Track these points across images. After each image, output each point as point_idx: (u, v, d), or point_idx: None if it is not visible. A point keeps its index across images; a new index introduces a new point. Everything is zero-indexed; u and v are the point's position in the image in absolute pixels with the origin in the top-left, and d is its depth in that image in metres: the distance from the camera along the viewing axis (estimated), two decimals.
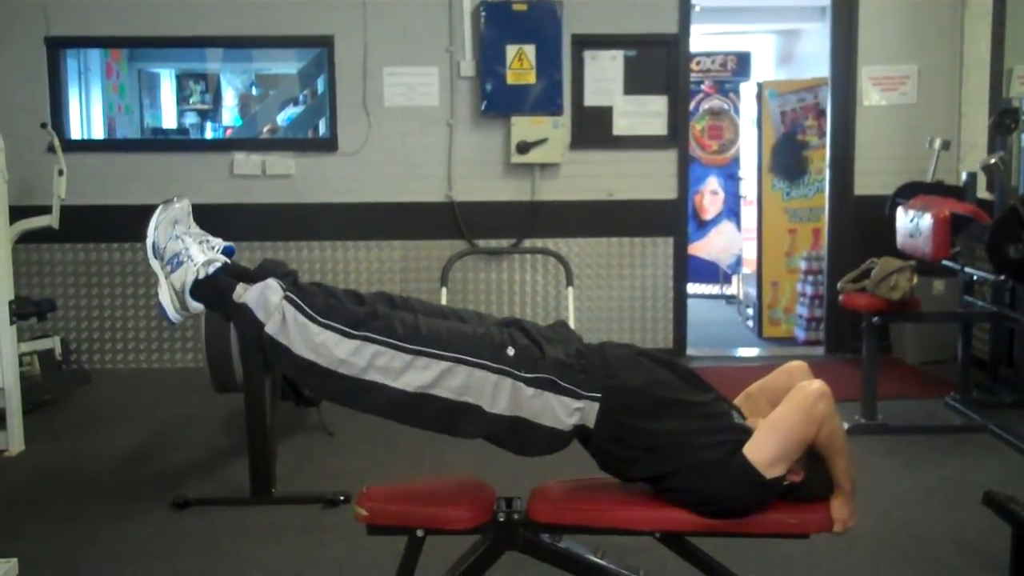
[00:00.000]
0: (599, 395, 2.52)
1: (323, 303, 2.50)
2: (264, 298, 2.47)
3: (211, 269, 2.51)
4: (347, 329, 2.46)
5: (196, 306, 2.52)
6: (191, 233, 2.57)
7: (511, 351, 2.50)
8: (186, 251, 2.51)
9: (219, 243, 2.61)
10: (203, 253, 2.53)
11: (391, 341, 2.46)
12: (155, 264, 2.54)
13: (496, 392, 2.47)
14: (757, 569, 3.45)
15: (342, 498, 4.27)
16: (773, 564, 3.62)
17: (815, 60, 7.86)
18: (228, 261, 2.56)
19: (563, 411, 2.51)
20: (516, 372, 2.47)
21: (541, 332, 2.65)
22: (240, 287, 2.51)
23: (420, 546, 2.64)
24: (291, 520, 4.17)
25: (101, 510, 4.32)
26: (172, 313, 2.53)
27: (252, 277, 2.53)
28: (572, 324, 5.91)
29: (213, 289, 2.51)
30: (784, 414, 2.51)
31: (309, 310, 2.47)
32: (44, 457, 5.06)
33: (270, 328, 2.46)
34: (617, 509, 2.63)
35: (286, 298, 2.47)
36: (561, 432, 2.53)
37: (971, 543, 3.86)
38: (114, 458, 5.06)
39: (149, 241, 2.53)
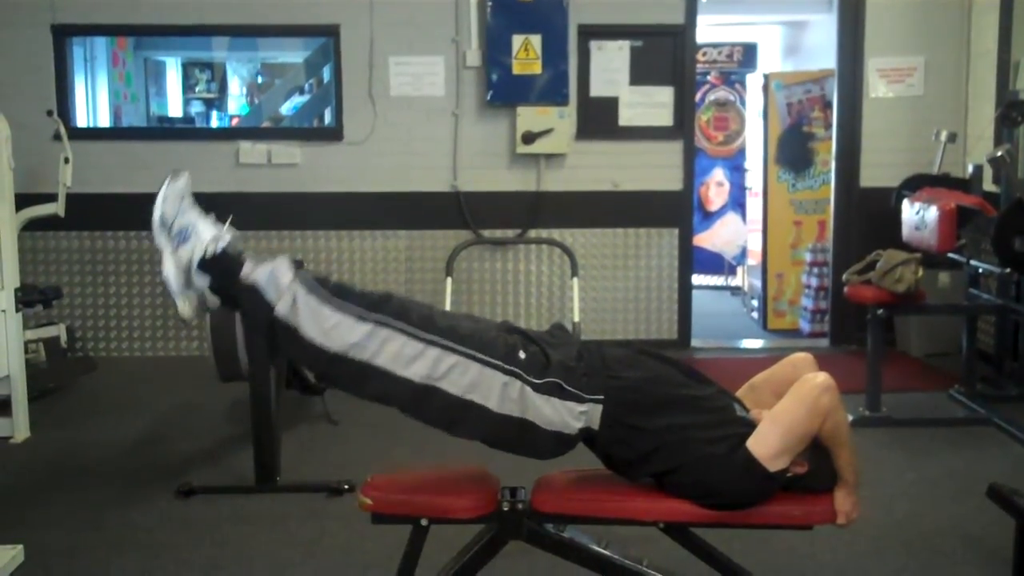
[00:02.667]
0: (602, 397, 2.51)
1: (335, 285, 2.48)
2: (274, 278, 2.44)
3: (219, 246, 2.49)
4: (361, 311, 2.43)
5: (200, 284, 2.49)
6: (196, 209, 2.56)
7: (522, 355, 2.49)
8: (193, 226, 2.49)
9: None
10: (210, 229, 2.51)
11: (405, 328, 2.43)
12: (161, 237, 2.50)
13: (505, 393, 2.45)
14: (760, 560, 3.46)
15: (346, 487, 4.28)
16: (776, 555, 3.63)
17: (822, 52, 7.83)
18: (231, 239, 2.53)
19: (569, 415, 2.50)
20: (526, 376, 2.46)
21: (542, 337, 2.64)
22: (248, 265, 2.49)
23: (424, 535, 2.65)
24: (295, 509, 4.18)
25: (106, 497, 4.33)
26: (176, 288, 2.50)
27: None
28: (576, 315, 5.94)
29: (220, 266, 2.48)
30: (788, 407, 2.51)
31: (323, 290, 2.45)
32: (49, 444, 5.08)
33: (280, 310, 2.43)
34: (621, 499, 2.63)
35: (298, 279, 2.45)
36: (567, 436, 2.52)
37: (975, 536, 3.86)
38: (119, 446, 5.08)
39: (157, 213, 2.49)
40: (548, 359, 2.52)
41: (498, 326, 2.68)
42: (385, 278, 6.90)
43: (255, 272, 2.47)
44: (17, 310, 5.05)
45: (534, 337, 2.61)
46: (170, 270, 2.49)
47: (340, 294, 2.47)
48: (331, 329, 2.42)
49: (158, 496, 4.33)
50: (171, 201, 2.50)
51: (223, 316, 4.36)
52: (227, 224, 2.58)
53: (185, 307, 2.54)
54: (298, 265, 2.74)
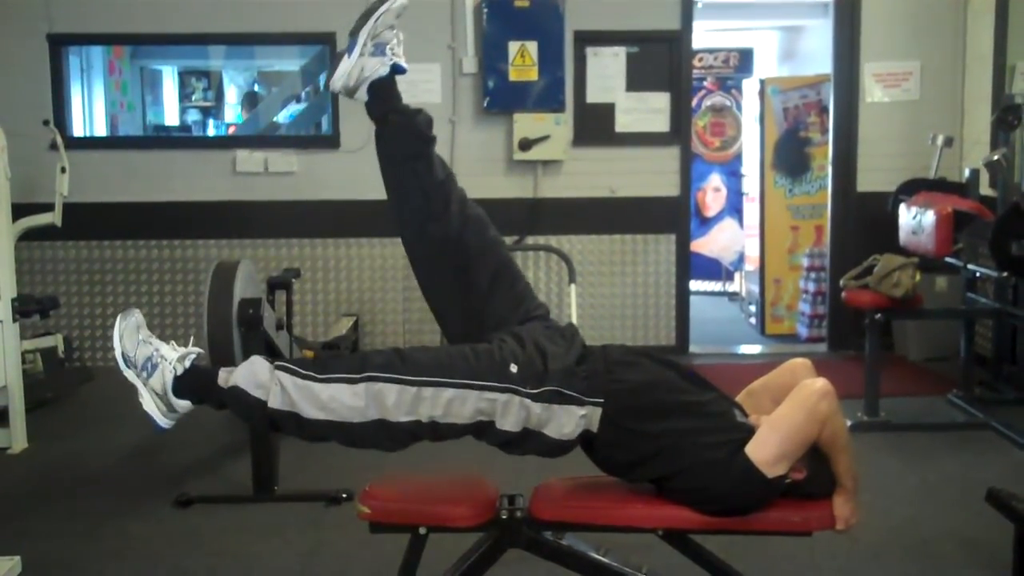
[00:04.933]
0: (602, 400, 2.51)
1: (313, 362, 2.48)
2: (254, 375, 2.44)
3: (187, 362, 2.49)
4: (348, 376, 2.43)
5: (183, 404, 2.50)
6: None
7: (514, 368, 2.48)
8: (157, 352, 2.49)
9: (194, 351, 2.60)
10: (174, 350, 2.52)
11: (394, 376, 2.43)
12: (130, 374, 2.51)
13: (506, 410, 2.46)
14: (760, 566, 3.45)
15: (344, 496, 4.28)
16: (776, 562, 3.62)
17: (818, 56, 7.85)
18: (200, 352, 2.55)
19: (569, 420, 2.50)
20: (522, 389, 2.46)
21: (550, 337, 2.63)
22: (223, 371, 2.49)
23: (423, 544, 2.65)
24: (294, 518, 4.17)
25: (104, 508, 4.33)
26: (161, 419, 2.51)
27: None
28: (575, 322, 5.92)
29: (195, 380, 2.49)
30: (787, 413, 2.50)
31: (304, 371, 2.44)
32: (47, 455, 5.07)
33: (273, 402, 2.42)
34: (620, 506, 2.62)
35: (277, 367, 2.45)
36: (567, 441, 2.53)
37: (973, 540, 3.85)
38: (117, 456, 5.07)
39: (118, 353, 2.50)
40: (546, 365, 2.51)
41: (523, 314, 2.70)
42: (383, 286, 6.90)
43: (232, 376, 2.46)
44: (14, 320, 5.05)
45: (537, 338, 2.60)
46: (149, 404, 2.50)
47: (324, 367, 2.46)
48: (328, 401, 2.42)
49: (156, 506, 4.32)
50: (128, 337, 2.49)
51: (220, 323, 4.36)
52: (191, 343, 2.59)
53: (169, 424, 2.55)
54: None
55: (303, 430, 2.46)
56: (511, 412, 2.46)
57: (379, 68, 2.65)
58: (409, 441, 2.51)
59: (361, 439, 2.50)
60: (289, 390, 2.42)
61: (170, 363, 2.48)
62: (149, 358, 2.48)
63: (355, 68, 2.64)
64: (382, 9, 2.62)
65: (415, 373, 2.44)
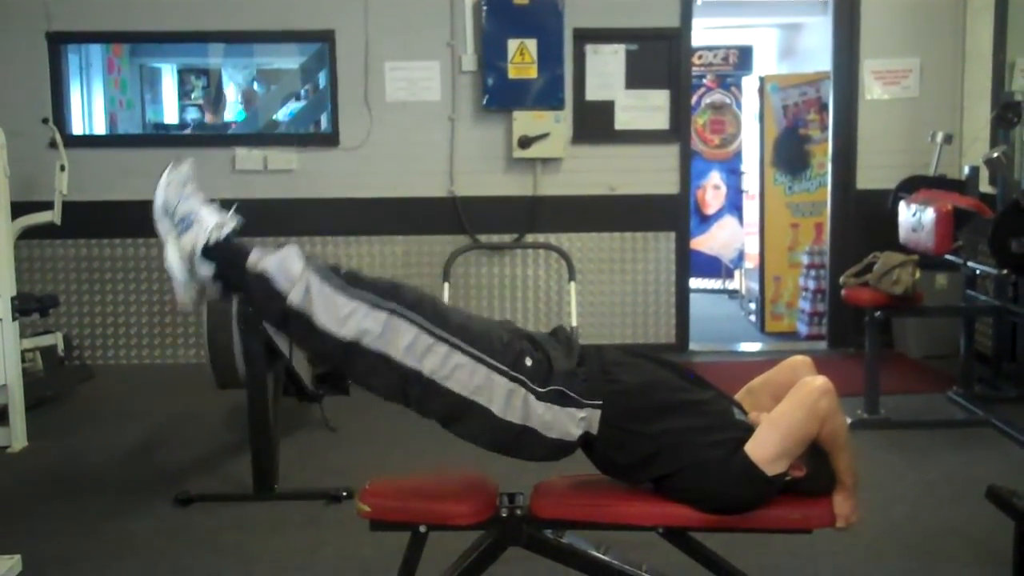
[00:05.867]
0: (601, 402, 2.51)
1: (348, 273, 2.46)
2: (285, 267, 2.41)
3: (223, 233, 2.45)
4: (376, 299, 2.41)
5: (206, 271, 2.45)
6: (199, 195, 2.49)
7: (528, 362, 2.49)
8: (196, 213, 2.45)
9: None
10: (214, 216, 2.47)
11: (418, 319, 2.42)
12: (163, 224, 2.45)
13: (509, 399, 2.45)
14: (760, 564, 3.45)
15: (345, 494, 4.27)
16: (776, 559, 3.62)
17: (817, 54, 7.85)
18: (238, 224, 2.50)
19: (570, 422, 2.50)
20: (530, 384, 2.46)
21: (548, 341, 2.63)
22: (256, 252, 2.45)
23: (423, 542, 2.64)
24: (294, 516, 4.17)
25: (104, 506, 4.32)
26: (178, 286, 2.46)
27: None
28: (574, 319, 5.93)
29: (225, 254, 2.44)
30: (787, 411, 2.50)
31: (336, 279, 2.42)
32: (47, 453, 5.06)
33: (294, 298, 2.40)
34: (620, 504, 2.62)
35: (310, 267, 2.42)
36: (567, 443, 2.53)
37: (974, 537, 3.85)
38: (117, 454, 5.07)
39: (159, 200, 2.44)
40: (552, 366, 2.51)
41: (501, 324, 2.67)
42: None
43: (263, 260, 2.43)
44: (14, 319, 5.04)
45: (539, 341, 2.60)
46: (173, 258, 2.45)
47: (352, 282, 2.44)
48: (346, 317, 2.40)
49: (156, 504, 4.32)
50: (173, 187, 2.45)
51: (220, 322, 4.35)
52: (232, 211, 2.53)
53: (186, 297, 2.50)
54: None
55: (310, 336, 2.43)
56: (515, 403, 2.46)
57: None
58: (396, 390, 2.46)
59: (355, 366, 2.46)
60: (313, 292, 2.39)
61: (206, 229, 2.43)
62: (187, 215, 2.43)
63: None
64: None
65: (439, 325, 2.43)
